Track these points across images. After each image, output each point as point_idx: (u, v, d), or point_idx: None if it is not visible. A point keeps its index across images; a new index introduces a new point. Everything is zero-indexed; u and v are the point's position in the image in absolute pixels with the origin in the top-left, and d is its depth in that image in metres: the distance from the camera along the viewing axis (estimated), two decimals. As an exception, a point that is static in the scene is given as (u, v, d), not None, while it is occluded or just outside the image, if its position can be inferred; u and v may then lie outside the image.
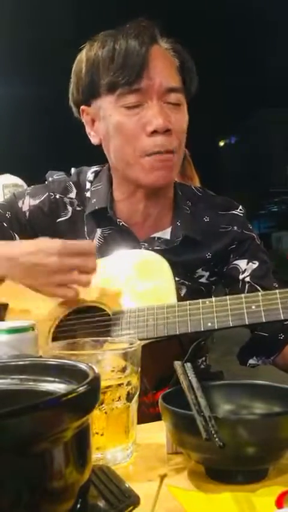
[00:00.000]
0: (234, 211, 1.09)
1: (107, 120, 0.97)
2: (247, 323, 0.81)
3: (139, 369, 0.63)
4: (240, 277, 1.04)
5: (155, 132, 0.93)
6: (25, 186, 2.12)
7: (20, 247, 0.86)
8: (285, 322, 0.99)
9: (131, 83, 0.92)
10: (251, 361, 1.05)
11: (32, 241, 0.89)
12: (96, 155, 1.06)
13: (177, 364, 0.64)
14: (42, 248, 0.83)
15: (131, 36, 0.93)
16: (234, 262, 1.05)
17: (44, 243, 0.85)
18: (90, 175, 1.10)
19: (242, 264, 1.05)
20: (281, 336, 1.00)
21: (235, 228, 1.06)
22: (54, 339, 0.90)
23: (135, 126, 0.94)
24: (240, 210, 1.10)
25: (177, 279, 0.99)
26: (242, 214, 1.09)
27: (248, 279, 1.03)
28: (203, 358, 1.10)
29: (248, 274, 1.04)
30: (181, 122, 0.98)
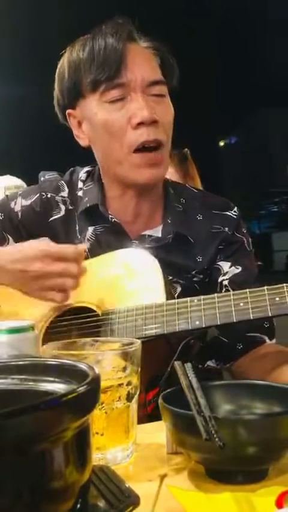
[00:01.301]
0: (228, 212, 1.08)
1: (92, 119, 0.97)
2: (235, 320, 0.81)
3: (139, 369, 0.63)
4: (220, 279, 1.03)
5: (141, 124, 0.93)
6: (25, 186, 2.12)
7: (6, 254, 0.86)
8: (247, 334, 1.00)
9: (111, 77, 0.93)
10: (209, 363, 1.05)
11: (17, 246, 0.89)
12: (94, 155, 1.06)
13: (177, 364, 0.64)
14: (26, 254, 0.83)
15: (108, 34, 0.95)
16: (219, 262, 1.04)
17: (28, 248, 0.85)
18: (82, 175, 1.10)
19: (225, 266, 1.04)
20: (239, 346, 1.01)
21: (226, 229, 1.05)
22: (45, 340, 0.90)
23: (121, 120, 0.94)
24: (235, 212, 1.08)
25: (170, 277, 0.99)
26: (235, 217, 1.08)
27: (226, 282, 1.02)
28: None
29: (227, 277, 1.03)
30: (166, 113, 0.98)
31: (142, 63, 0.96)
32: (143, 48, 0.98)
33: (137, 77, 0.94)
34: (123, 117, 0.94)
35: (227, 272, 1.03)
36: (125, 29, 0.96)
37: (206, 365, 1.05)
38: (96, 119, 0.96)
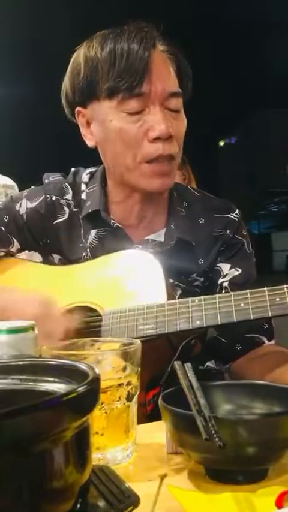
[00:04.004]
0: (229, 215, 1.07)
1: (106, 124, 0.95)
2: (235, 320, 0.81)
3: (139, 369, 0.64)
4: (219, 280, 1.03)
5: (157, 139, 0.92)
6: (16, 186, 2.11)
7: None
8: (246, 335, 1.00)
9: (132, 88, 0.90)
10: (209, 364, 1.05)
11: (10, 297, 0.87)
12: (96, 155, 1.06)
13: (177, 364, 0.64)
14: (17, 311, 0.81)
15: (132, 38, 0.91)
16: (219, 264, 1.04)
17: (21, 307, 0.83)
18: (85, 177, 1.09)
19: (225, 267, 1.04)
20: (238, 346, 1.01)
21: (227, 231, 1.05)
22: None
23: (137, 132, 0.92)
24: (236, 214, 1.08)
25: (171, 280, 0.99)
26: (237, 219, 1.08)
27: (226, 284, 1.02)
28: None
29: (227, 279, 1.03)
30: (181, 128, 0.97)
31: (163, 73, 0.94)
32: (164, 55, 0.95)
33: (158, 88, 0.92)
34: (140, 129, 0.92)
35: (226, 274, 1.03)
36: (151, 36, 0.93)
37: (205, 366, 1.05)
38: (111, 126, 0.94)
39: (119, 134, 0.94)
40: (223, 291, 1.01)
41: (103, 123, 0.96)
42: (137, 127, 0.93)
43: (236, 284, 1.01)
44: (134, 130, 0.93)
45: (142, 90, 0.91)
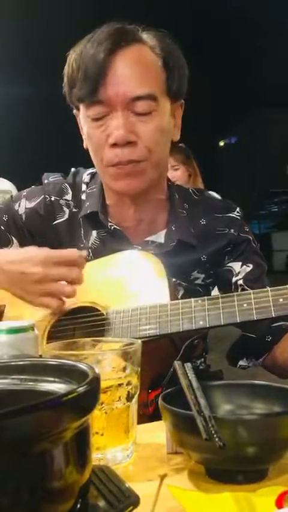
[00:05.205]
0: (231, 214, 1.08)
1: (83, 129, 1.00)
2: (238, 321, 0.82)
3: (139, 369, 0.64)
4: (234, 279, 1.04)
5: (114, 145, 0.92)
6: (14, 191, 2.11)
7: (5, 256, 0.86)
8: (272, 325, 1.00)
9: (90, 95, 0.91)
10: (241, 363, 1.05)
11: (18, 250, 0.89)
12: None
13: (177, 364, 0.64)
14: (27, 257, 0.83)
15: (94, 43, 0.91)
16: (229, 264, 1.05)
17: (29, 252, 0.85)
18: (86, 177, 1.10)
19: (236, 266, 1.05)
20: (268, 338, 1.01)
21: (231, 231, 1.06)
22: (49, 339, 0.90)
23: (100, 137, 0.94)
24: (238, 212, 1.09)
25: (174, 279, 0.99)
26: (239, 217, 1.08)
27: (240, 281, 1.03)
28: (202, 360, 1.10)
29: (241, 277, 1.04)
30: (150, 132, 0.93)
31: (128, 75, 0.90)
32: (136, 52, 0.92)
33: (118, 92, 0.90)
34: (102, 134, 0.94)
35: (239, 272, 1.04)
36: (115, 35, 0.90)
37: (238, 365, 1.06)
38: (83, 132, 0.99)
39: (88, 139, 0.97)
40: (239, 289, 1.02)
41: (82, 128, 1.00)
42: (99, 132, 0.94)
43: (251, 279, 1.02)
44: (97, 136, 0.94)
45: (99, 97, 0.91)
